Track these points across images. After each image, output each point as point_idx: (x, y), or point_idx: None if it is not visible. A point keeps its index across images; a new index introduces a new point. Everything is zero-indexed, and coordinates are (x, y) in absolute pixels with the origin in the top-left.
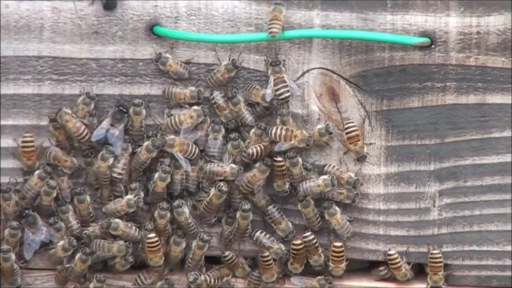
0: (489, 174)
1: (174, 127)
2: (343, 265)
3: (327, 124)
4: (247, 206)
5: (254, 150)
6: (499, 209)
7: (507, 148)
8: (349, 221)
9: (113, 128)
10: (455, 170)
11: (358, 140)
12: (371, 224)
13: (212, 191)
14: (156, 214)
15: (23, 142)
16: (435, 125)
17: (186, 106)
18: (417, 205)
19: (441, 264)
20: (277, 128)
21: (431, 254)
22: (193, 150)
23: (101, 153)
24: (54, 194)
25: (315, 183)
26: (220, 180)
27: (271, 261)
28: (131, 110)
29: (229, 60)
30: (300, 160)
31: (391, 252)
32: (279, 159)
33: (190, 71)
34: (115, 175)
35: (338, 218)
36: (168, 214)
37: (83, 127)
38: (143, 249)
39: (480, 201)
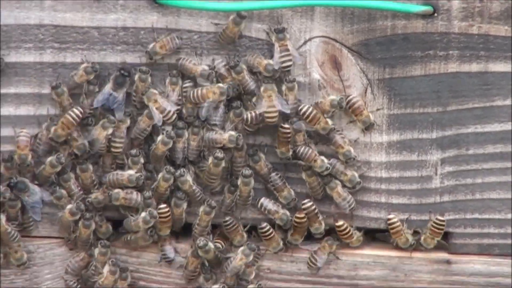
0: (491, 142)
1: (195, 100)
2: (355, 238)
3: (341, 98)
4: (248, 171)
5: (249, 115)
6: (501, 177)
7: (509, 116)
8: (352, 190)
9: (115, 93)
10: (457, 138)
11: (363, 110)
12: (373, 192)
13: (210, 159)
14: (160, 176)
15: (20, 134)
16: (438, 93)
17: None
18: (419, 173)
19: (442, 232)
20: (308, 108)
21: (437, 219)
22: (170, 114)
23: (102, 121)
24: (59, 169)
25: (316, 156)
26: (220, 148)
27: (271, 230)
28: (136, 77)
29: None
30: (304, 126)
31: (391, 216)
32: (286, 126)
33: (178, 36)
34: (113, 149)
35: (339, 191)
36: (172, 179)
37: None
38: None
39: (482, 169)
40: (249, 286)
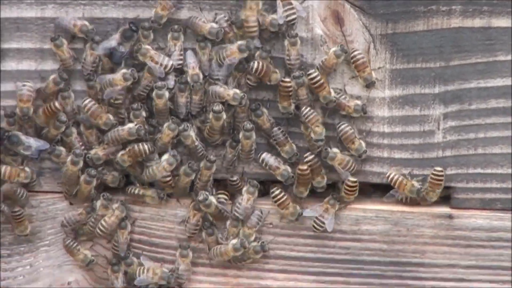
0: (494, 97)
1: (222, 62)
2: (355, 195)
3: (341, 44)
4: (249, 125)
5: (257, 64)
6: (504, 132)
7: (511, 71)
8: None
9: (121, 46)
10: (459, 93)
11: (366, 67)
12: (375, 147)
13: (210, 115)
14: (166, 125)
15: (23, 87)
16: (440, 48)
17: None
18: (422, 128)
19: (442, 182)
20: (317, 74)
21: (434, 170)
22: (165, 62)
23: (123, 71)
24: (63, 129)
25: (317, 122)
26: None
27: (282, 193)
28: (139, 33)
29: None
30: (306, 80)
31: (387, 174)
32: (287, 79)
33: None
34: (113, 101)
35: (340, 158)
36: (177, 130)
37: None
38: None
39: (484, 124)
40: (252, 243)
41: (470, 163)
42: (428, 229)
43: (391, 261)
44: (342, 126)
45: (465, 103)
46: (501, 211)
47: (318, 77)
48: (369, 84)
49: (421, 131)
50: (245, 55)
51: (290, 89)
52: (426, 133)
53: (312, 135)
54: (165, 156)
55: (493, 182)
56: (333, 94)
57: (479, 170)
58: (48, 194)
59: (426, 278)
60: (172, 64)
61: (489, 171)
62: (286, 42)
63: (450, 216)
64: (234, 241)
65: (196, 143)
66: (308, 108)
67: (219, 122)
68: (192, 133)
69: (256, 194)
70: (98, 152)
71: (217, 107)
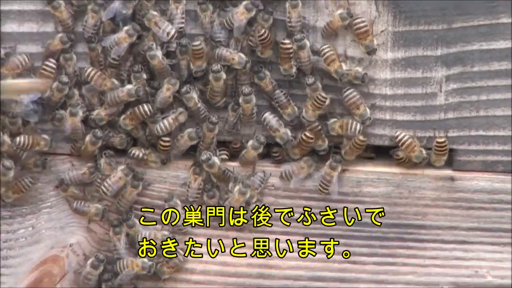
0: (496, 59)
1: (231, 26)
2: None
3: (348, 8)
4: (247, 90)
5: (266, 34)
6: (506, 94)
7: None
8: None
9: (123, 8)
10: (462, 55)
11: (368, 35)
12: (377, 109)
13: (210, 76)
14: (165, 81)
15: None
16: (443, 11)
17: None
18: (424, 90)
19: (446, 150)
20: (328, 48)
21: (437, 142)
22: (168, 30)
23: (126, 27)
24: (66, 91)
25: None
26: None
27: (293, 167)
28: None
29: None
30: (307, 43)
31: (398, 133)
32: (287, 41)
33: None
34: (112, 61)
35: (339, 126)
36: (177, 85)
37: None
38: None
39: (487, 86)
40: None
41: (472, 125)
42: (430, 191)
43: (393, 223)
44: (348, 91)
45: (467, 66)
46: (502, 173)
47: (328, 50)
48: (371, 52)
49: (423, 93)
50: (253, 13)
51: (290, 51)
52: (428, 95)
53: (304, 113)
54: (180, 109)
55: (495, 144)
56: (344, 67)
57: (481, 132)
58: (49, 156)
59: (428, 240)
60: (175, 32)
61: (491, 133)
62: (287, 4)
63: (452, 178)
64: (237, 187)
65: (199, 105)
66: (322, 91)
67: (219, 83)
68: (194, 95)
69: (261, 149)
70: (100, 112)
71: (216, 67)
